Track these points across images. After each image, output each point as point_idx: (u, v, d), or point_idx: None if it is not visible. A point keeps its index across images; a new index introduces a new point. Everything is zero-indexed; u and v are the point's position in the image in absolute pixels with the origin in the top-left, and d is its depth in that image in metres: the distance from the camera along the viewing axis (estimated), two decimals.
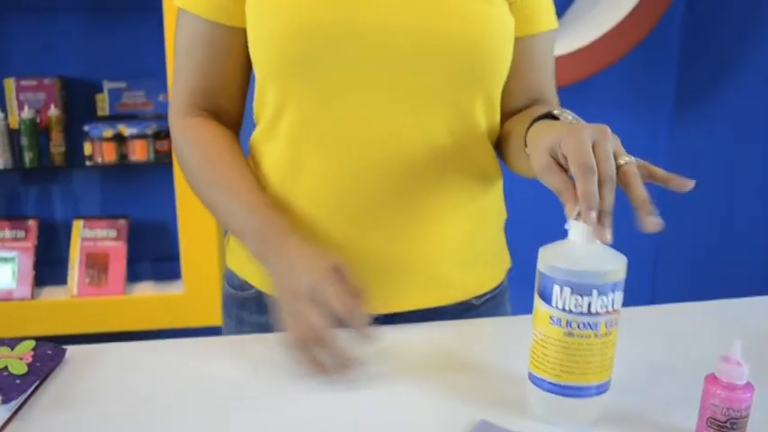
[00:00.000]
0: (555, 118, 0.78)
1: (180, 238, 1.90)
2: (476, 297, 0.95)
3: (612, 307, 0.65)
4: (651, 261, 2.49)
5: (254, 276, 0.93)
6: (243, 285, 0.95)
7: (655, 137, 2.44)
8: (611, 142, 0.67)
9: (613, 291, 0.64)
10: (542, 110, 0.82)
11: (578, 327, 0.64)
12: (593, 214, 0.63)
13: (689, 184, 0.68)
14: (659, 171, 0.70)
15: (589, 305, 0.64)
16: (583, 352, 0.65)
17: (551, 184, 0.68)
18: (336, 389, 0.73)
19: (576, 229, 0.65)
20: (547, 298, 0.66)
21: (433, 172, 0.86)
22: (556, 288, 0.64)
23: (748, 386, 0.62)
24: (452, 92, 0.84)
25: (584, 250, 0.65)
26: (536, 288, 0.67)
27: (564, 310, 0.64)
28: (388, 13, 0.80)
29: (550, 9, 0.92)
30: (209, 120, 0.90)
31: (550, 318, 0.66)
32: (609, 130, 0.68)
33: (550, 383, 0.67)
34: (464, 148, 0.87)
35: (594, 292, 0.63)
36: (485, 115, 0.88)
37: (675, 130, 2.43)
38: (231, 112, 0.92)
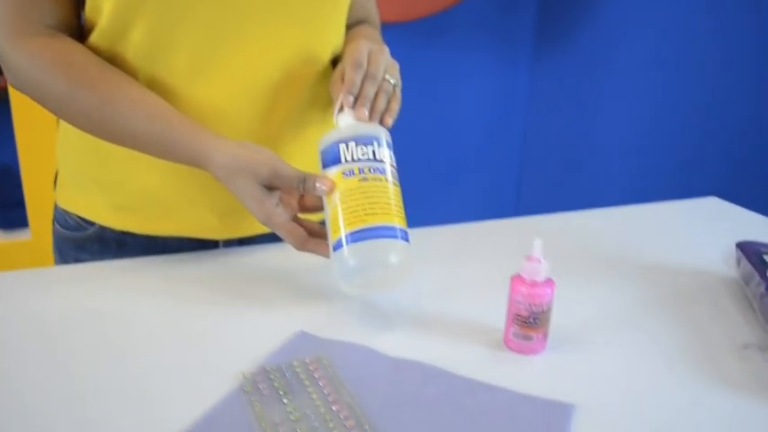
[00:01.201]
0: None
1: (23, 182, 1.78)
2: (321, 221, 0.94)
3: (392, 161, 0.72)
4: (516, 178, 2.59)
5: (95, 211, 0.87)
6: (79, 225, 0.89)
7: (515, 71, 2.50)
8: (386, 59, 0.79)
9: (389, 147, 0.72)
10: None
11: (370, 171, 0.69)
12: (351, 98, 0.74)
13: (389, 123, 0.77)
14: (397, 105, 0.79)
15: (374, 153, 0.70)
16: (380, 194, 0.69)
17: (332, 92, 0.79)
18: (170, 307, 0.71)
19: (342, 116, 0.74)
20: (336, 160, 0.70)
21: (287, 96, 0.83)
22: (342, 146, 0.70)
23: (548, 282, 0.64)
24: (305, 9, 0.80)
25: (353, 123, 0.73)
26: (322, 165, 0.72)
27: (354, 160, 0.69)
28: None
29: None
30: (64, 38, 0.76)
31: (343, 174, 0.69)
32: (387, 50, 0.80)
33: (359, 232, 0.67)
34: (316, 71, 0.85)
35: (375, 143, 0.70)
36: (334, 37, 0.86)
37: (536, 65, 2.50)
38: (72, 23, 0.78)
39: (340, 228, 0.68)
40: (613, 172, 2.29)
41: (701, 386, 0.63)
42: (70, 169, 0.89)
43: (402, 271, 0.69)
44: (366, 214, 0.67)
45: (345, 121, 0.73)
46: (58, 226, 0.92)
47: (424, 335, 0.70)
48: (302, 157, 0.87)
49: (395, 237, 0.67)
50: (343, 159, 0.70)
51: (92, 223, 0.88)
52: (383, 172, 0.70)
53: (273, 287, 0.79)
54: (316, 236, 0.75)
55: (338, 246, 0.68)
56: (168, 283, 0.79)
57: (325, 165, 0.71)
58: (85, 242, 0.89)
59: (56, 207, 0.93)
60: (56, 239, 0.94)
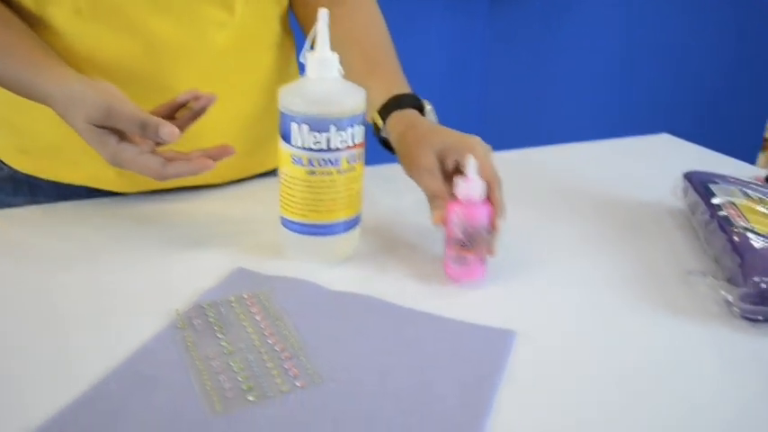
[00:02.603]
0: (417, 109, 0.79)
1: None
2: (258, 174, 0.93)
3: (353, 141, 0.64)
4: (476, 120, 2.58)
5: (4, 152, 0.85)
6: None
7: (473, 13, 2.46)
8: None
9: (352, 125, 0.63)
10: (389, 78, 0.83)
11: (319, 164, 0.63)
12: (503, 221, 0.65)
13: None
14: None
15: (328, 141, 0.62)
16: (326, 189, 0.64)
17: (429, 185, 0.68)
18: (101, 249, 0.69)
19: (312, 62, 0.63)
20: (287, 137, 0.64)
21: (232, 44, 0.80)
22: (294, 126, 0.63)
23: (484, 202, 0.63)
24: None
25: (320, 86, 0.63)
26: (278, 129, 0.65)
27: (303, 148, 0.63)
28: None
29: None
30: None
31: (292, 157, 0.64)
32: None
33: (299, 224, 0.66)
34: (262, 20, 0.82)
35: (332, 128, 0.62)
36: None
37: (494, 8, 2.46)
38: None
39: (287, 209, 0.67)
40: (570, 111, 2.31)
41: (645, 311, 0.63)
42: None
43: (345, 253, 0.70)
44: (309, 210, 0.65)
45: (314, 71, 0.63)
46: None
47: (365, 269, 0.68)
48: (225, 125, 0.83)
49: (336, 233, 0.67)
50: (293, 141, 0.63)
51: (4, 164, 0.86)
52: (335, 163, 0.63)
53: (211, 227, 0.76)
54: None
55: (285, 224, 0.68)
56: (96, 225, 0.76)
57: (281, 134, 0.65)
58: (1, 183, 0.87)
59: None
60: None
